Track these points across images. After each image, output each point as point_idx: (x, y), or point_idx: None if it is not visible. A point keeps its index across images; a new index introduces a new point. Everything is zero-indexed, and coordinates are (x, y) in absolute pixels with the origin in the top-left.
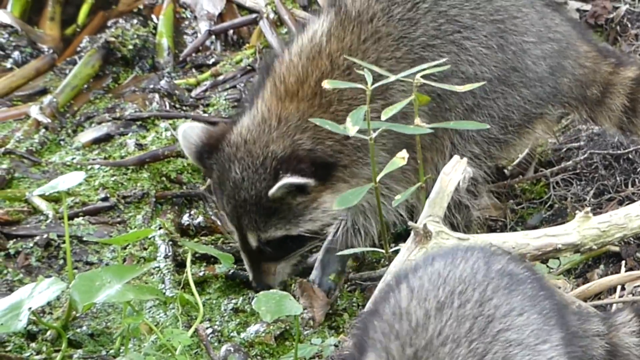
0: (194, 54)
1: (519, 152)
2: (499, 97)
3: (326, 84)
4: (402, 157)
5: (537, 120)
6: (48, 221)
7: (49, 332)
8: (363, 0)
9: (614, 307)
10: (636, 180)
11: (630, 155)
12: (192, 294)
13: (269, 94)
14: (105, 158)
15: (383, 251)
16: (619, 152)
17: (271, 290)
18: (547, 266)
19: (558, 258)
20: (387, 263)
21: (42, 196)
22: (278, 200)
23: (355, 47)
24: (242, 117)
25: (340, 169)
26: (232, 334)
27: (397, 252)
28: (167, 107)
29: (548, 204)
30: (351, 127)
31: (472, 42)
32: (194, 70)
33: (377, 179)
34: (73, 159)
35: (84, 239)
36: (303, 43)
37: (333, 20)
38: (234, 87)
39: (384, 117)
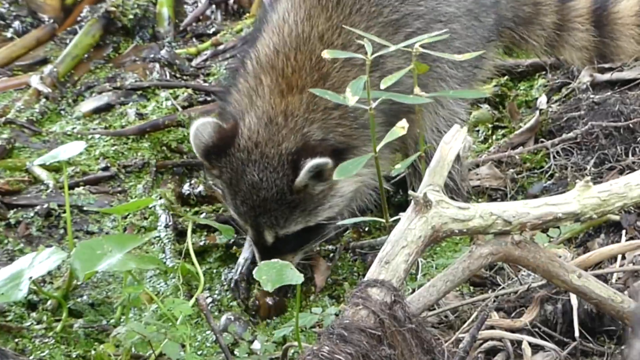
0: (194, 24)
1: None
2: (471, 34)
3: (326, 54)
4: (401, 127)
5: (491, 50)
6: (48, 191)
7: (49, 302)
8: None
9: (615, 276)
10: (636, 149)
11: (630, 125)
12: (193, 264)
13: (270, 90)
14: (105, 127)
15: (383, 220)
16: (619, 123)
17: (272, 260)
18: (548, 235)
19: (558, 227)
20: (387, 232)
21: (42, 166)
22: (301, 192)
23: (344, 22)
24: (245, 118)
25: (352, 151)
26: (232, 304)
27: (397, 221)
28: (168, 77)
29: (548, 173)
30: (351, 97)
31: None
32: (194, 39)
33: (377, 148)
34: (73, 128)
35: (85, 208)
36: (284, 33)
37: (305, 3)
38: (234, 56)
39: (383, 85)
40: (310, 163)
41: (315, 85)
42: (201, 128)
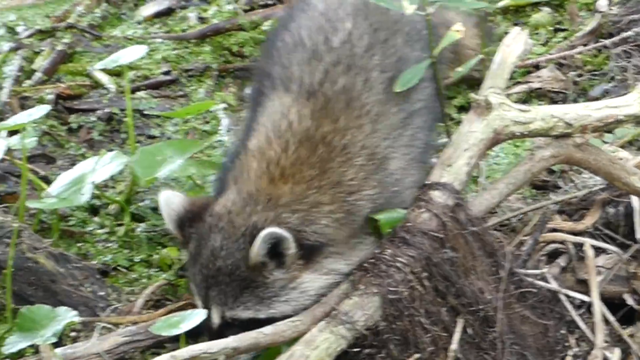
0: None
1: None
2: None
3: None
4: (457, 30)
5: None
6: (110, 95)
7: (111, 206)
8: (328, 76)
9: None
10: None
11: None
12: None
13: (257, 175)
14: (166, 32)
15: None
16: None
17: None
18: (613, 133)
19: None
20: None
21: (104, 70)
22: (256, 271)
23: (351, 124)
24: (227, 191)
25: (327, 249)
26: None
27: None
28: None
29: (609, 76)
30: (408, 6)
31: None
32: None
33: (435, 52)
34: (134, 32)
35: (146, 112)
36: (282, 127)
37: (307, 105)
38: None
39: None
40: (266, 231)
41: (313, 180)
42: (172, 197)
